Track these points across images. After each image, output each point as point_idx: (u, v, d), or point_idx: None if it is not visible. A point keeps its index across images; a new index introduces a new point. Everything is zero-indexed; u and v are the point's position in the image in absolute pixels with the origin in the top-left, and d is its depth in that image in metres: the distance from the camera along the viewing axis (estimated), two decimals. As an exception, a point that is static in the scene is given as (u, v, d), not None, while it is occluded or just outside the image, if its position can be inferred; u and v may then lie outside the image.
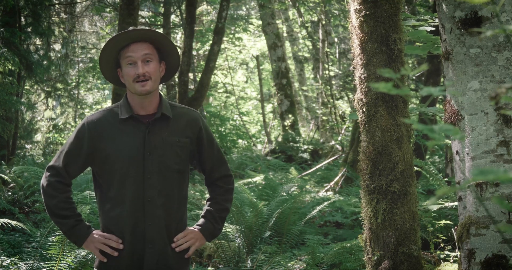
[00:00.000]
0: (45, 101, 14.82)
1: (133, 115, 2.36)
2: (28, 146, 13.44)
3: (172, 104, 2.46)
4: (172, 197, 2.38)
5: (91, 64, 15.46)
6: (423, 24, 3.69)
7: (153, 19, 13.74)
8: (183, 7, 11.42)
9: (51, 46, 11.59)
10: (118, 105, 2.42)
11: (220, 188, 2.54)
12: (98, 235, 2.34)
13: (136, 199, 2.32)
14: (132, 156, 2.32)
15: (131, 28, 2.37)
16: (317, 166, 10.12)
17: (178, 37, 17.25)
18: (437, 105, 8.67)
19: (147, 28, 2.54)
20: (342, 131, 13.61)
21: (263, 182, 7.66)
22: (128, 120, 2.36)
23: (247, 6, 18.25)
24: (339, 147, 12.68)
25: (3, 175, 6.97)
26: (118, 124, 2.36)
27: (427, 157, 10.84)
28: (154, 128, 2.36)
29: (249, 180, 7.99)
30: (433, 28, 3.63)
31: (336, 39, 15.74)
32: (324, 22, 14.22)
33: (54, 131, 14.83)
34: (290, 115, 13.37)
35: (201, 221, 2.50)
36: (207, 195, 2.70)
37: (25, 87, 11.86)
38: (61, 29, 12.74)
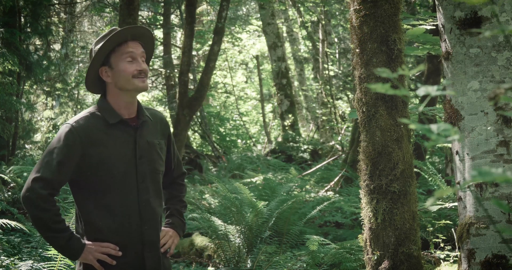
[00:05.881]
0: (45, 101, 14.82)
1: (122, 120, 2.31)
2: (28, 146, 13.43)
3: (144, 107, 2.44)
4: (161, 198, 2.41)
5: (90, 64, 15.42)
6: (423, 24, 3.69)
7: (153, 19, 13.73)
8: (183, 7, 11.41)
9: (51, 46, 11.58)
10: (96, 109, 2.32)
11: (180, 186, 2.62)
12: (94, 245, 2.25)
13: (132, 204, 2.28)
14: (126, 161, 2.29)
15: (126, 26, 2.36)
16: (317, 166, 10.11)
17: (178, 37, 17.23)
18: (437, 105, 8.66)
19: (142, 26, 2.53)
20: (342, 131, 13.60)
21: (263, 182, 7.65)
22: (117, 125, 2.30)
23: (247, 6, 18.23)
24: (339, 147, 12.67)
25: (3, 175, 6.96)
26: (107, 129, 2.28)
27: (427, 157, 10.83)
28: (141, 132, 2.35)
29: (249, 180, 7.98)
30: (433, 27, 3.62)
31: (336, 39, 15.73)
32: (324, 22, 14.21)
33: (53, 131, 14.81)
34: (290, 115, 13.37)
35: (171, 219, 2.53)
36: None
37: (25, 87, 11.84)
38: (61, 29, 12.73)
